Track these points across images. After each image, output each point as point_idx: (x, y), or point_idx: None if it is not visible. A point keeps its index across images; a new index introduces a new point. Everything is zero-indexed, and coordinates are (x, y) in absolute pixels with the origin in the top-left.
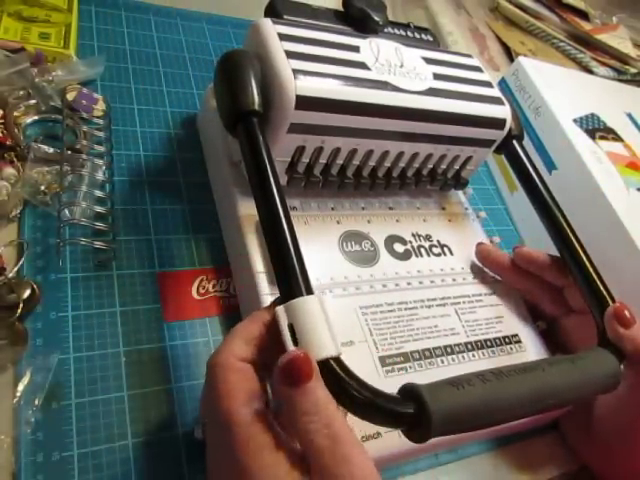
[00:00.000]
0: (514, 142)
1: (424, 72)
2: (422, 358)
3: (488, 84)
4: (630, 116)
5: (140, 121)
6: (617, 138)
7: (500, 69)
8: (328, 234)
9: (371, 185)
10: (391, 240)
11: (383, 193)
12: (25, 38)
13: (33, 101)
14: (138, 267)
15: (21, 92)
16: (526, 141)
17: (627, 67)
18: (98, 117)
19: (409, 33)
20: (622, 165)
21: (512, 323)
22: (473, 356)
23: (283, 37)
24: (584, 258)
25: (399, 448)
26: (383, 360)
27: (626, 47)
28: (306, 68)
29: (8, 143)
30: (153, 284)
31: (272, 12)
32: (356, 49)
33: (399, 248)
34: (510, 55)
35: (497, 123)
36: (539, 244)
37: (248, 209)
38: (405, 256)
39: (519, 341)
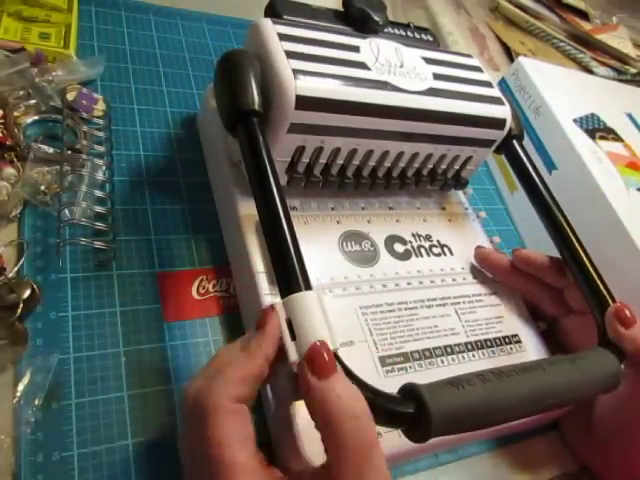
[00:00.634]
0: (514, 142)
1: (424, 72)
2: (422, 358)
3: (488, 84)
4: (630, 116)
5: (140, 121)
6: (617, 138)
7: (500, 69)
8: (328, 234)
9: (371, 185)
10: (391, 240)
11: (383, 193)
12: (25, 38)
13: (33, 101)
14: (138, 267)
15: (21, 92)
16: (526, 141)
17: (627, 67)
18: (98, 117)
19: (409, 33)
20: (622, 165)
21: (512, 323)
22: (473, 356)
23: (283, 37)
24: (584, 258)
25: (399, 448)
26: (383, 360)
27: (626, 47)
28: (306, 68)
29: (8, 143)
30: (153, 284)
31: (272, 12)
32: (356, 49)
33: (399, 248)
34: (510, 55)
35: (497, 123)
36: (539, 244)
37: (248, 209)
38: (405, 256)
39: (519, 341)
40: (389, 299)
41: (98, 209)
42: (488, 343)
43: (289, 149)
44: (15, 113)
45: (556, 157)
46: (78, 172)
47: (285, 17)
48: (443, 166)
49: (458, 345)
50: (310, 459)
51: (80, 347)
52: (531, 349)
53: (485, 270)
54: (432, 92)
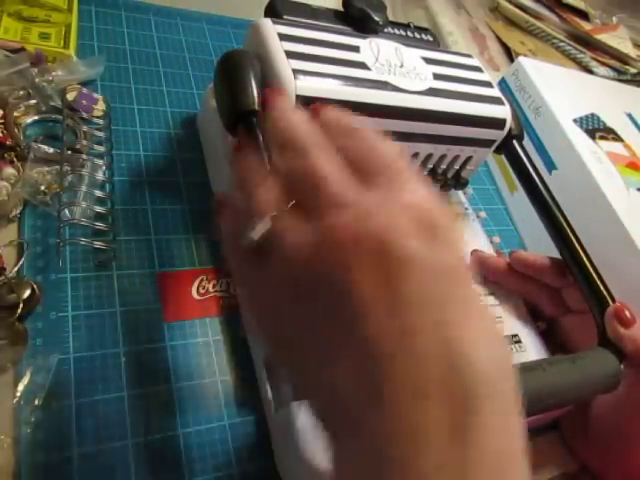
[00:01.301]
0: (514, 142)
1: (424, 72)
2: None
3: (488, 84)
4: (630, 116)
5: (140, 121)
6: (617, 138)
7: (500, 69)
8: None
9: None
10: None
11: None
12: (25, 38)
13: (33, 101)
14: (138, 267)
15: (21, 92)
16: (526, 141)
17: (627, 67)
18: (98, 117)
19: (409, 33)
20: (622, 165)
21: (512, 323)
22: None
23: (283, 37)
24: (584, 258)
25: None
26: None
27: (626, 47)
28: (306, 68)
29: (8, 143)
30: (153, 284)
31: (272, 12)
32: (356, 49)
33: None
34: (510, 55)
35: (497, 123)
36: (539, 244)
37: None
38: None
39: (519, 341)
40: None
41: (98, 209)
42: None
43: None
44: (15, 113)
45: (556, 157)
46: (78, 172)
47: (285, 17)
48: (443, 166)
49: None
50: (310, 459)
51: (80, 347)
52: (531, 349)
53: (482, 274)
54: (432, 92)
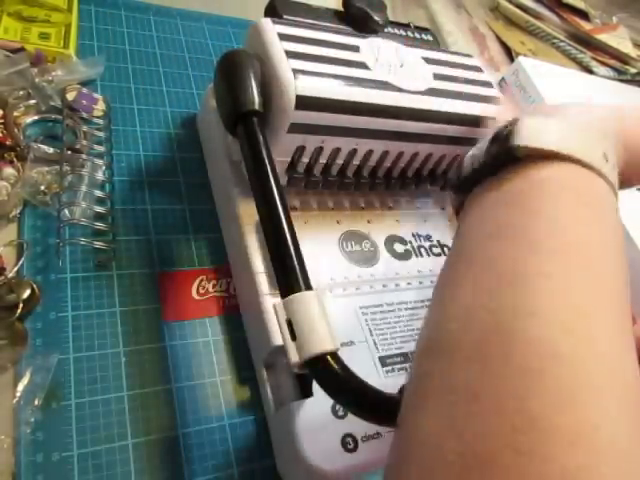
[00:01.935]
0: None
1: (424, 72)
2: None
3: (488, 84)
4: None
5: (140, 121)
6: None
7: (500, 69)
8: (328, 234)
9: (371, 185)
10: (391, 240)
11: (383, 193)
12: (25, 38)
13: (33, 101)
14: (138, 267)
15: (21, 92)
16: None
17: (627, 67)
18: (98, 117)
19: (409, 33)
20: None
21: None
22: None
23: (283, 37)
24: None
25: None
26: (383, 360)
27: (626, 47)
28: (306, 68)
29: (8, 143)
30: (153, 284)
31: (272, 12)
32: (356, 49)
33: (399, 248)
34: (510, 55)
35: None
36: None
37: (248, 209)
38: (405, 256)
39: None
40: (389, 299)
41: (98, 209)
42: None
43: (289, 149)
44: (15, 113)
45: None
46: (78, 172)
47: (285, 17)
48: (443, 166)
49: None
50: (310, 459)
51: (80, 347)
52: None
53: None
54: (432, 92)
